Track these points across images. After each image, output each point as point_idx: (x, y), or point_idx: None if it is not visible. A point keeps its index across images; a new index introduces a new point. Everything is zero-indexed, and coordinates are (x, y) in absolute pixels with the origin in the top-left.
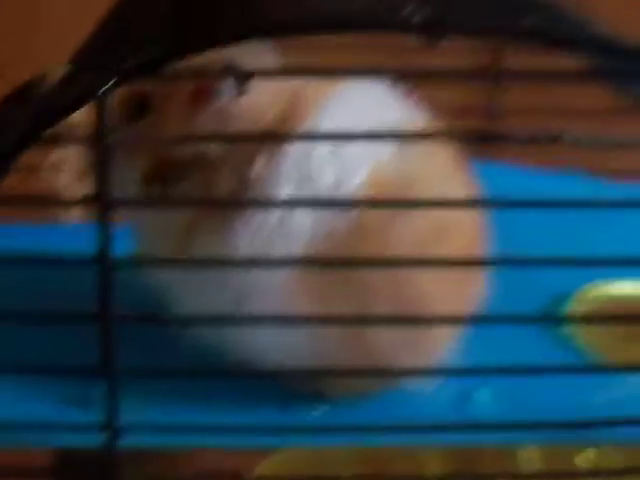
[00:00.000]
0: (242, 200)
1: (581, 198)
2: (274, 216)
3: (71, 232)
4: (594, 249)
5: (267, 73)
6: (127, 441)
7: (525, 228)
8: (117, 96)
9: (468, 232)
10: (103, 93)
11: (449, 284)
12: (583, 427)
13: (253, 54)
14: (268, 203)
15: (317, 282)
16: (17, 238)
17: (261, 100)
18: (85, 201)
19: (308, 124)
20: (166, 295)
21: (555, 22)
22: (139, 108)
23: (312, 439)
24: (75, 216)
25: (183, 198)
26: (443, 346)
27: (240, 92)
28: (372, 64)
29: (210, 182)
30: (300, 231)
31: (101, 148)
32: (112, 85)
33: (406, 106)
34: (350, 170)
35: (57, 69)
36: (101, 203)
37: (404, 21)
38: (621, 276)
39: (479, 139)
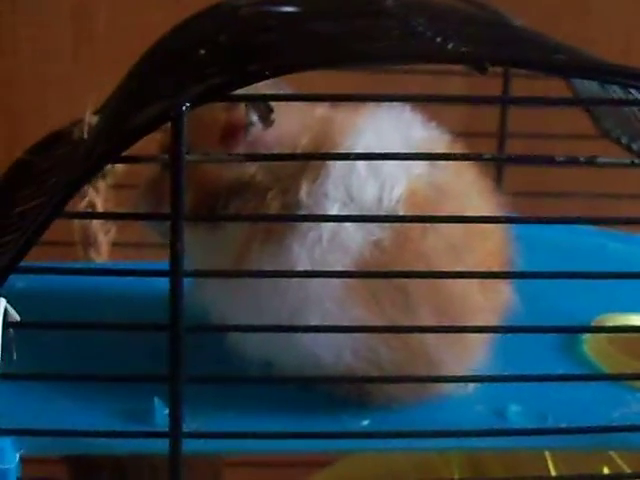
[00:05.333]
0: (304, 217)
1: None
2: (326, 231)
3: None
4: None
5: (287, 99)
6: (190, 447)
7: None
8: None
9: (496, 238)
10: (180, 114)
11: (481, 282)
12: (604, 432)
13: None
14: (321, 219)
15: (366, 287)
16: None
17: (291, 128)
18: (160, 216)
19: (343, 148)
20: (221, 312)
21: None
22: None
23: (360, 445)
24: (104, 257)
25: (242, 216)
26: (480, 344)
27: (267, 123)
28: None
29: (257, 209)
30: (351, 242)
31: (178, 167)
32: (187, 107)
33: (428, 127)
34: (389, 186)
35: (93, 115)
36: (175, 218)
37: (454, 53)
38: (634, 309)
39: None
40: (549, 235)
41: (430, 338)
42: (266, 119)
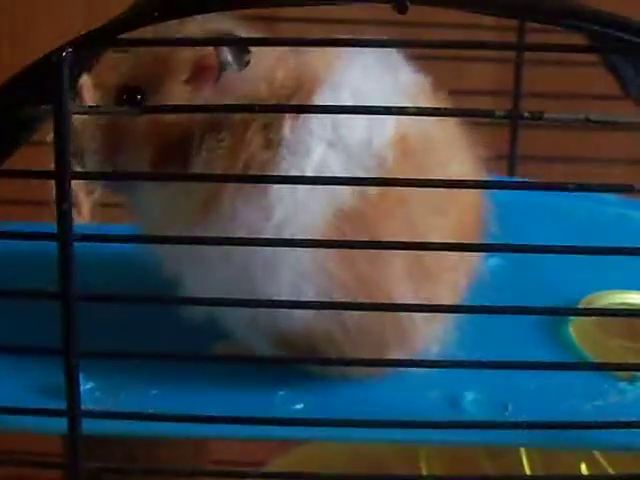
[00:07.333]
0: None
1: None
2: (310, 172)
3: None
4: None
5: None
6: (92, 427)
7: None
8: (106, 90)
9: (475, 194)
10: (60, 60)
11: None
12: (573, 429)
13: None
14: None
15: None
16: None
17: (264, 62)
18: (44, 175)
19: (329, 84)
20: (170, 270)
21: None
22: (131, 99)
23: (290, 433)
24: (86, 218)
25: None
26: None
27: (242, 64)
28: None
29: (236, 144)
30: (335, 187)
31: (61, 117)
32: (69, 53)
33: (413, 70)
34: (378, 127)
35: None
36: (59, 176)
37: None
38: (626, 286)
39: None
40: (564, 203)
41: (400, 295)
42: (241, 60)
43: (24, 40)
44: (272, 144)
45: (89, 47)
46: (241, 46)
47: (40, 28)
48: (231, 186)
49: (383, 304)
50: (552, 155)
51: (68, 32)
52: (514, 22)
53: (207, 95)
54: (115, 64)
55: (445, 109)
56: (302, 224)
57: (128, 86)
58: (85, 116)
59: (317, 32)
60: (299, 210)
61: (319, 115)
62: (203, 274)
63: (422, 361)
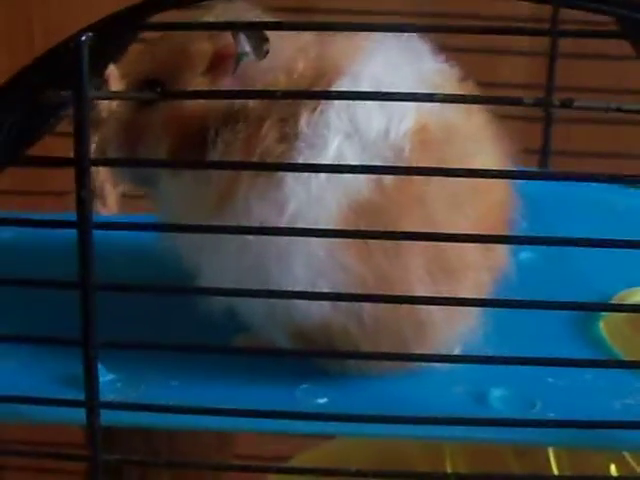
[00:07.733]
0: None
1: None
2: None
3: None
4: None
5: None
6: (111, 418)
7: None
8: (127, 84)
9: (501, 191)
10: (79, 45)
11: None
12: (601, 428)
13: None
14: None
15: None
16: None
17: (283, 52)
18: (63, 162)
19: (349, 74)
20: (189, 262)
21: None
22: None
23: (317, 426)
24: (112, 209)
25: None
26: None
27: (261, 54)
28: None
29: (251, 137)
30: (351, 178)
31: (80, 103)
32: (89, 37)
33: (437, 59)
34: (397, 118)
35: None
36: (79, 162)
37: None
38: None
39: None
40: (596, 196)
41: (420, 293)
42: (260, 49)
43: (58, 27)
44: (288, 138)
45: (110, 32)
46: (259, 35)
47: (74, 15)
48: (245, 181)
49: (399, 296)
50: (585, 150)
51: None
52: (547, 13)
53: (225, 86)
54: (135, 57)
55: (474, 96)
56: (316, 218)
57: (148, 79)
58: (109, 109)
59: None
60: (313, 204)
61: (336, 109)
62: (220, 266)
63: (450, 356)
